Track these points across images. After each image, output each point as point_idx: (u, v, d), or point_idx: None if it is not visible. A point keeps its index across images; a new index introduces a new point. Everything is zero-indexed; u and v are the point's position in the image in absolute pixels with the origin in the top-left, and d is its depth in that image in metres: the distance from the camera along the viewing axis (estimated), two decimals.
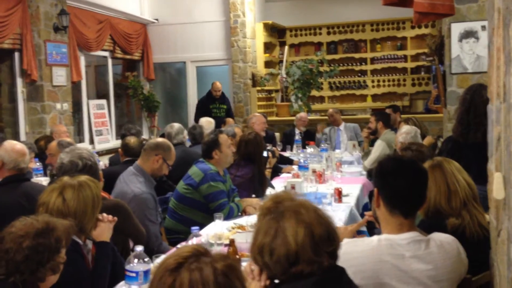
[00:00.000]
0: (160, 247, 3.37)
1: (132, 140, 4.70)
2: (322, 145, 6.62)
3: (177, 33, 10.15)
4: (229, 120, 8.34)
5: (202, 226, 3.32)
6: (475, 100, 3.66)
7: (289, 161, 6.36)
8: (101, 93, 9.43)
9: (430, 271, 1.93)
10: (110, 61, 9.28)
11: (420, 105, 10.27)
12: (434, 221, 2.36)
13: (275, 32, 11.05)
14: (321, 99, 10.99)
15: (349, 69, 10.79)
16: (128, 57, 9.68)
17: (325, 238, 1.59)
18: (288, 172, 5.67)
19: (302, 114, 8.14)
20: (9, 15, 6.66)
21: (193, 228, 2.76)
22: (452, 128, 3.95)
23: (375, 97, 10.71)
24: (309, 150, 6.37)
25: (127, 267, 2.28)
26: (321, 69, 9.34)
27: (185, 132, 5.85)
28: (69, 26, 7.46)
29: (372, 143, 6.04)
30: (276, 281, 1.65)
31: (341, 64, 10.59)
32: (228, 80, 10.02)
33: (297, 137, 7.70)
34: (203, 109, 8.79)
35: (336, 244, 1.63)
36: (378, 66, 10.63)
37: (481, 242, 2.29)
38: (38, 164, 4.99)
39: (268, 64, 10.66)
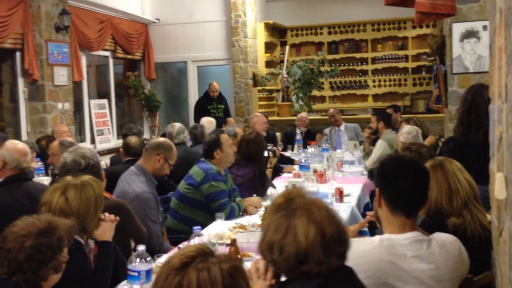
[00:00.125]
0: (161, 246, 3.38)
1: (133, 140, 4.71)
2: (323, 145, 6.63)
3: (178, 33, 10.16)
4: (230, 120, 8.34)
5: (203, 225, 3.33)
6: (476, 100, 3.66)
7: (290, 161, 6.36)
8: (102, 93, 9.43)
9: (431, 271, 1.93)
10: (111, 61, 9.29)
11: (421, 105, 10.26)
12: (435, 221, 2.37)
13: (276, 32, 11.05)
14: (322, 99, 10.98)
15: (350, 69, 10.78)
16: (129, 57, 9.69)
17: (335, 238, 1.58)
18: (289, 172, 5.67)
19: (303, 114, 8.14)
20: (10, 15, 6.67)
21: (195, 227, 2.76)
22: (453, 128, 3.95)
23: (376, 97, 10.71)
24: (310, 150, 6.38)
25: (129, 266, 2.29)
26: (322, 69, 9.33)
27: (186, 131, 5.86)
28: (71, 26, 7.47)
29: (373, 143, 6.04)
30: (282, 278, 1.64)
31: (342, 64, 10.59)
32: (229, 80, 10.03)
33: (298, 137, 7.70)
34: (201, 109, 8.80)
35: (346, 245, 1.62)
36: (379, 66, 10.63)
37: (482, 242, 2.29)
38: (39, 163, 5.00)
39: (269, 64, 10.66)
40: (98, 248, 2.48)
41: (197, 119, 7.94)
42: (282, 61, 10.74)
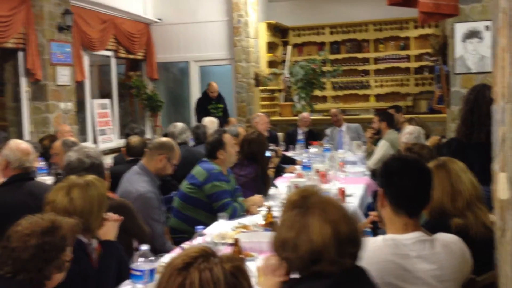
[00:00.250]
0: (164, 246, 3.39)
1: (133, 139, 4.72)
2: (325, 145, 6.62)
3: (180, 33, 10.17)
4: (232, 119, 8.35)
5: (206, 225, 3.33)
6: (479, 100, 3.66)
7: (292, 161, 6.36)
8: (104, 93, 9.45)
9: (435, 271, 1.93)
10: (113, 61, 9.30)
11: (423, 105, 10.25)
12: (439, 221, 2.37)
13: (278, 32, 11.06)
14: (324, 99, 10.98)
15: (352, 69, 10.77)
16: (131, 56, 9.70)
17: (350, 238, 1.57)
18: (291, 172, 5.67)
19: (305, 114, 8.14)
20: (13, 15, 6.68)
21: (197, 227, 2.77)
22: (456, 128, 3.94)
23: (378, 97, 10.70)
24: (312, 150, 6.38)
25: (133, 265, 2.30)
26: (324, 69, 9.34)
27: (188, 131, 5.86)
28: (73, 26, 7.48)
29: (375, 143, 6.04)
30: (294, 276, 1.63)
31: (344, 64, 10.58)
32: (231, 79, 10.03)
33: (300, 137, 7.70)
34: (202, 109, 8.81)
35: (360, 246, 1.61)
36: (381, 66, 10.62)
37: (485, 242, 2.29)
38: (42, 163, 5.01)
39: (271, 64, 10.67)
40: (102, 248, 2.49)
41: (199, 119, 7.94)
42: (284, 61, 10.74)
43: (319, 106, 10.59)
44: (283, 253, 1.60)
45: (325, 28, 10.87)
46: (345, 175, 5.39)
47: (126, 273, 2.44)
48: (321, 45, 10.92)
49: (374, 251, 1.94)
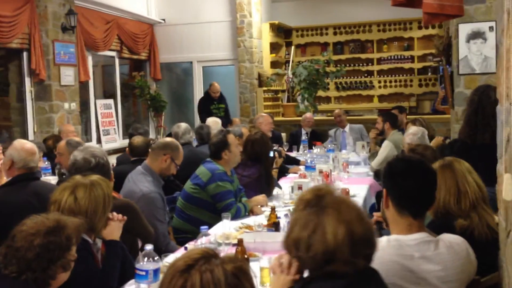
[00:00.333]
0: (168, 246, 3.39)
1: (136, 139, 4.74)
2: (329, 146, 6.62)
3: (184, 33, 10.18)
4: (236, 120, 8.35)
5: (209, 225, 3.33)
6: (483, 101, 3.65)
7: (296, 162, 6.36)
8: (108, 93, 9.47)
9: (439, 271, 1.93)
10: (117, 61, 9.32)
11: (427, 106, 10.23)
12: (443, 222, 2.37)
13: (282, 32, 11.05)
14: (327, 99, 10.97)
15: (356, 70, 10.76)
16: (135, 57, 9.72)
17: (364, 239, 1.56)
18: (295, 173, 5.67)
19: (308, 115, 8.13)
20: (17, 15, 6.70)
21: (202, 227, 2.77)
22: (460, 129, 3.94)
23: (381, 98, 10.69)
24: (316, 150, 6.38)
25: (137, 265, 2.30)
26: (327, 69, 9.33)
27: (192, 132, 5.87)
28: (77, 26, 7.50)
29: (379, 144, 6.04)
30: (306, 275, 1.62)
31: (348, 65, 10.57)
32: (235, 80, 10.04)
33: (304, 137, 7.70)
34: (204, 110, 8.82)
35: (374, 247, 1.59)
36: (385, 66, 10.61)
37: (489, 244, 2.29)
38: (46, 163, 5.03)
39: (274, 64, 10.67)
40: (106, 247, 2.50)
41: (202, 119, 7.95)
42: (287, 62, 10.74)
43: (322, 106, 10.58)
44: (295, 252, 1.59)
45: (329, 29, 10.87)
46: (349, 176, 5.39)
47: (130, 273, 2.45)
48: (324, 46, 10.92)
49: (378, 251, 1.94)
